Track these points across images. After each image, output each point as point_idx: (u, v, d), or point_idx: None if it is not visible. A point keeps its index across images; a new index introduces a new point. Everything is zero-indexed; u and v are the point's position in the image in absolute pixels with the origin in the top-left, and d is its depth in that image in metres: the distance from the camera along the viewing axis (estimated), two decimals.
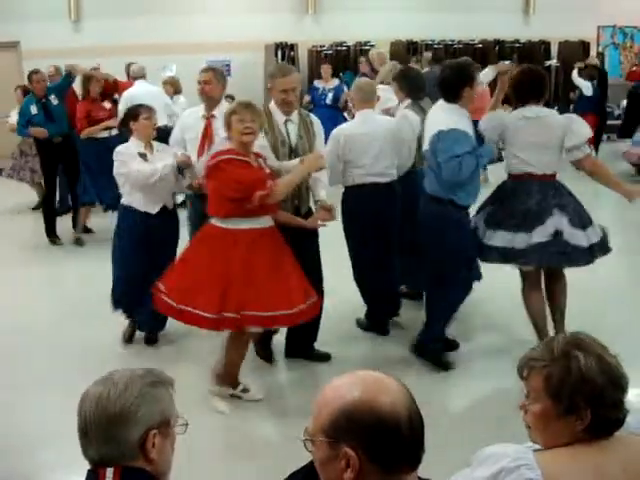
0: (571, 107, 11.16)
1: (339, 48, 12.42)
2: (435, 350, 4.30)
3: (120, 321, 5.39)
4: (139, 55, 10.90)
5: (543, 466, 1.57)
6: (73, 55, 10.95)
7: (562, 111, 9.33)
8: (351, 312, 5.02)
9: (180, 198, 5.44)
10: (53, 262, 6.82)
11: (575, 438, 1.62)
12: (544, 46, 13.52)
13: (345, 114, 9.48)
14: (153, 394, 1.65)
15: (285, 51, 12.38)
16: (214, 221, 3.82)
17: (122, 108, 7.84)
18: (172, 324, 4.64)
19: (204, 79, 4.76)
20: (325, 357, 4.45)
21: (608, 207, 8.19)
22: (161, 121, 7.79)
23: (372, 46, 12.67)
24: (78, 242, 7.34)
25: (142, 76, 8.33)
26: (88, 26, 11.77)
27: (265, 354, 4.46)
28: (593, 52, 13.42)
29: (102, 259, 6.15)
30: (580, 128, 4.13)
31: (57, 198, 7.66)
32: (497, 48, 13.14)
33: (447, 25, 12.75)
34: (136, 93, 7.86)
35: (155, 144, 4.69)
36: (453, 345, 4.51)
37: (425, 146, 4.21)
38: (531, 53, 13.33)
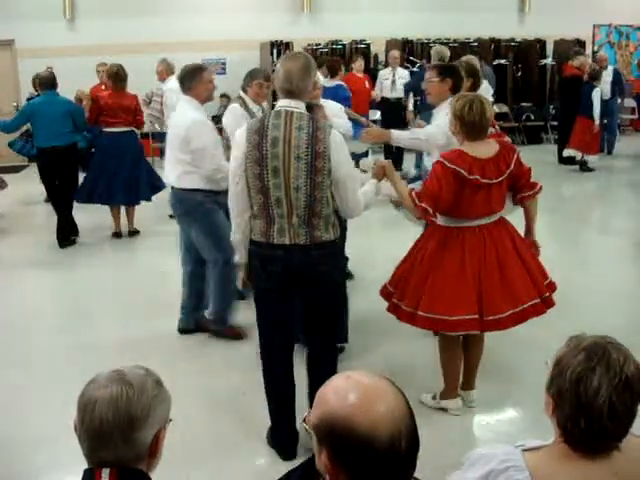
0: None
1: (335, 46, 12.42)
2: None
3: (120, 322, 5.40)
4: (134, 54, 10.90)
5: (532, 467, 1.58)
6: (68, 54, 10.97)
7: (558, 110, 9.25)
8: None
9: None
10: (56, 265, 6.80)
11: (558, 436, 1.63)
12: (540, 45, 13.53)
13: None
14: (162, 394, 1.65)
15: (280, 49, 12.37)
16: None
17: (175, 101, 7.84)
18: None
19: None
20: None
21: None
22: None
23: (368, 45, 12.70)
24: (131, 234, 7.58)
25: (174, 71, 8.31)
26: (83, 25, 11.74)
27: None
28: (588, 51, 13.43)
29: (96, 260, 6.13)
30: None
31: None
32: (493, 47, 13.16)
33: (443, 24, 12.76)
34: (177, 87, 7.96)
35: None
36: None
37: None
38: (527, 52, 13.36)
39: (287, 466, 1.66)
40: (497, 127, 8.49)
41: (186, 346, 4.77)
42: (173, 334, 4.93)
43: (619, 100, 11.97)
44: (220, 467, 3.43)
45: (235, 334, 4.79)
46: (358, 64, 10.11)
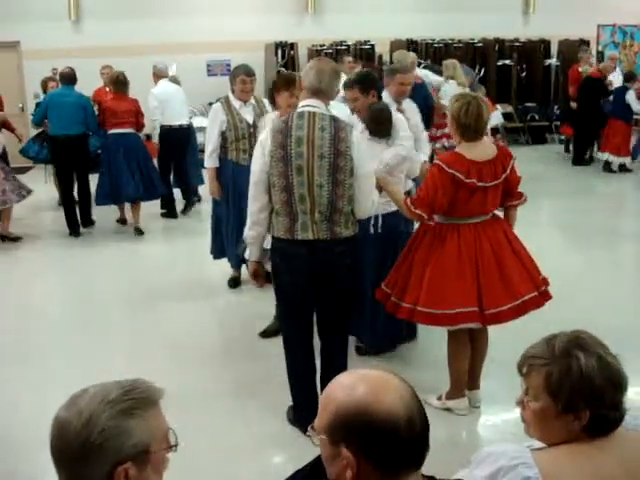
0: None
1: (339, 47, 12.41)
2: None
3: (123, 323, 5.42)
4: (139, 55, 10.92)
5: (541, 465, 1.58)
6: (73, 55, 10.98)
7: (563, 111, 9.20)
8: None
9: None
10: (60, 266, 6.81)
11: (572, 437, 1.62)
12: (544, 45, 13.51)
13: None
14: (124, 426, 1.39)
15: (285, 50, 12.38)
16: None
17: (156, 104, 7.91)
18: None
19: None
20: None
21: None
22: (183, 119, 8.06)
23: (372, 45, 12.69)
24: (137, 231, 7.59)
25: (165, 76, 8.39)
26: (88, 26, 11.76)
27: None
28: (593, 51, 13.40)
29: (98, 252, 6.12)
30: None
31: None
32: (497, 47, 13.13)
33: (447, 24, 12.75)
34: (163, 91, 8.08)
35: None
36: None
37: None
38: (531, 52, 13.34)
39: (291, 468, 1.66)
40: (497, 138, 8.34)
41: (187, 345, 4.78)
42: (177, 335, 4.94)
43: None
44: (222, 468, 3.44)
45: None
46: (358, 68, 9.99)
